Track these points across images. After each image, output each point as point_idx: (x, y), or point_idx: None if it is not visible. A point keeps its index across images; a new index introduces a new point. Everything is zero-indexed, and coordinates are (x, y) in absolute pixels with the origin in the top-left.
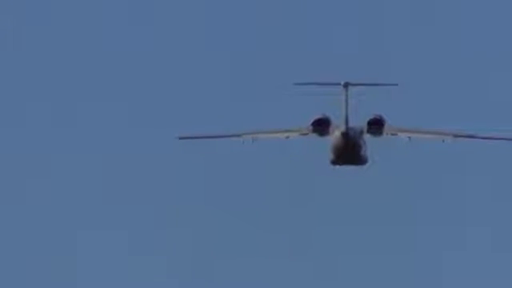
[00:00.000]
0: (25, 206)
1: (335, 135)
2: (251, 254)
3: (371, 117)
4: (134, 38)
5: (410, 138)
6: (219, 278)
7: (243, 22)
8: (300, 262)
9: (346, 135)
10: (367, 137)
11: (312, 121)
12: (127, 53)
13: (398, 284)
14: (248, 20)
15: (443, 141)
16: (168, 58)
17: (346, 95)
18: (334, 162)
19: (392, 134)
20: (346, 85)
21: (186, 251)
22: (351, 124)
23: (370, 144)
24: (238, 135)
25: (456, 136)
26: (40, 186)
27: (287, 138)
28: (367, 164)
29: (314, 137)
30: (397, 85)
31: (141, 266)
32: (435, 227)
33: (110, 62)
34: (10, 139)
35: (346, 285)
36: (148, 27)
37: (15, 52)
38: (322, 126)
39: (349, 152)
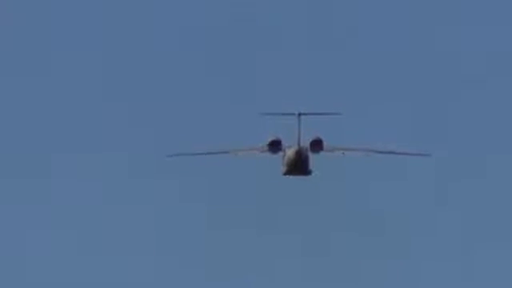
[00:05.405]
0: None
1: (289, 152)
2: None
3: (313, 138)
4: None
5: (343, 153)
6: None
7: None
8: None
9: (298, 152)
10: (310, 153)
11: (268, 141)
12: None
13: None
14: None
15: (368, 155)
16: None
17: (299, 122)
18: (287, 173)
19: (329, 151)
20: (300, 114)
21: (161, 261)
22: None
23: (312, 159)
24: (225, 152)
25: (379, 152)
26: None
27: (251, 154)
28: (311, 174)
29: (269, 154)
30: (340, 114)
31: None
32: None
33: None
34: None
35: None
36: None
37: None
38: (275, 145)
39: (300, 165)
